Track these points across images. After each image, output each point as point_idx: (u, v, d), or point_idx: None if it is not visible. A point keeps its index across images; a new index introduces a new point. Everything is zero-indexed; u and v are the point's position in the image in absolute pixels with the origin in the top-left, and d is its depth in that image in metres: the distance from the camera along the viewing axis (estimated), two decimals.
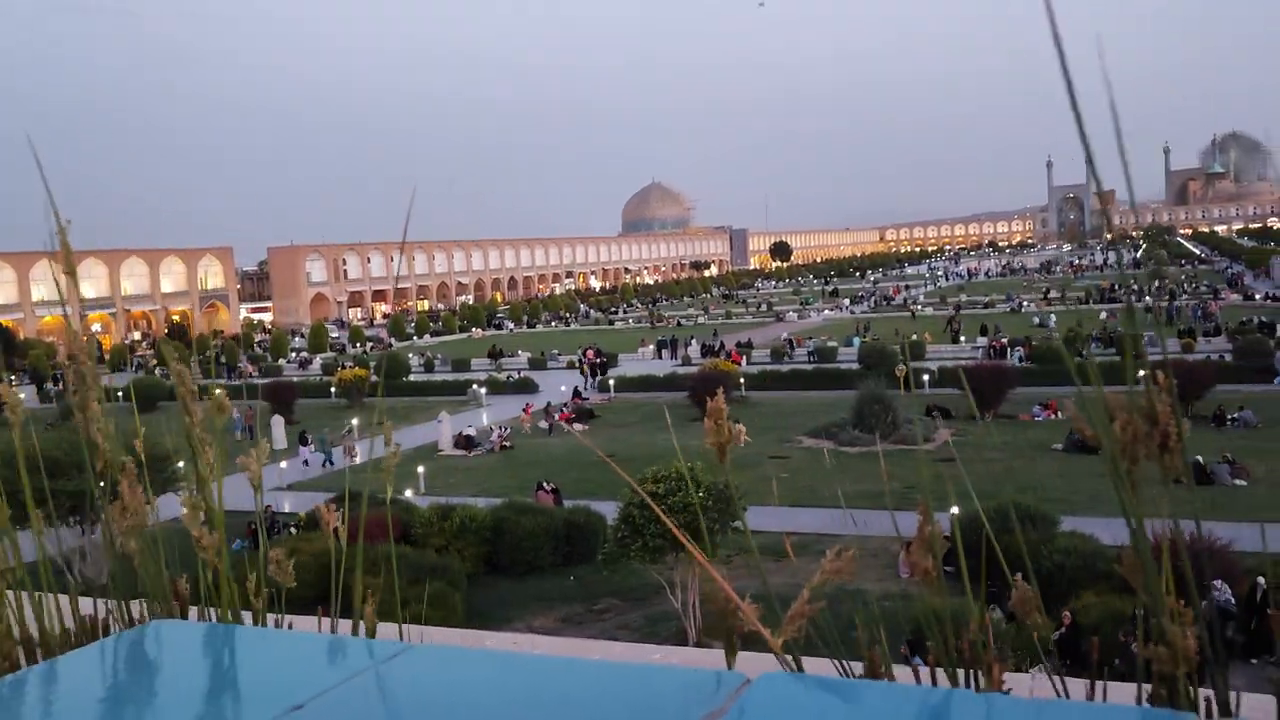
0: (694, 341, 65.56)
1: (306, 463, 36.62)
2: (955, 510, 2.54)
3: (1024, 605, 1.28)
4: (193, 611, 1.78)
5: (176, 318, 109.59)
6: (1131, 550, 1.18)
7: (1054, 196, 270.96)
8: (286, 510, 28.15)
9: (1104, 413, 1.20)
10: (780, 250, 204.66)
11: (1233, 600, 15.21)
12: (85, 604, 1.86)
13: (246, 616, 1.75)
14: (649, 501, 1.48)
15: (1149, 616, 1.18)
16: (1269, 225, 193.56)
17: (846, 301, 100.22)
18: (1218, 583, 15.22)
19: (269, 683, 1.33)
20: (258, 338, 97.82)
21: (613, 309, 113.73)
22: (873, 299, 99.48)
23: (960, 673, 1.34)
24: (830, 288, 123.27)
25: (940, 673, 1.33)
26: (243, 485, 1.96)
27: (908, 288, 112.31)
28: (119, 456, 1.80)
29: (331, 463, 36.41)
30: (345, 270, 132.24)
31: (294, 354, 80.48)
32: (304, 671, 1.36)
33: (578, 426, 41.03)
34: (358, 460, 35.96)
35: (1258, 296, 76.43)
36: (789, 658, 1.29)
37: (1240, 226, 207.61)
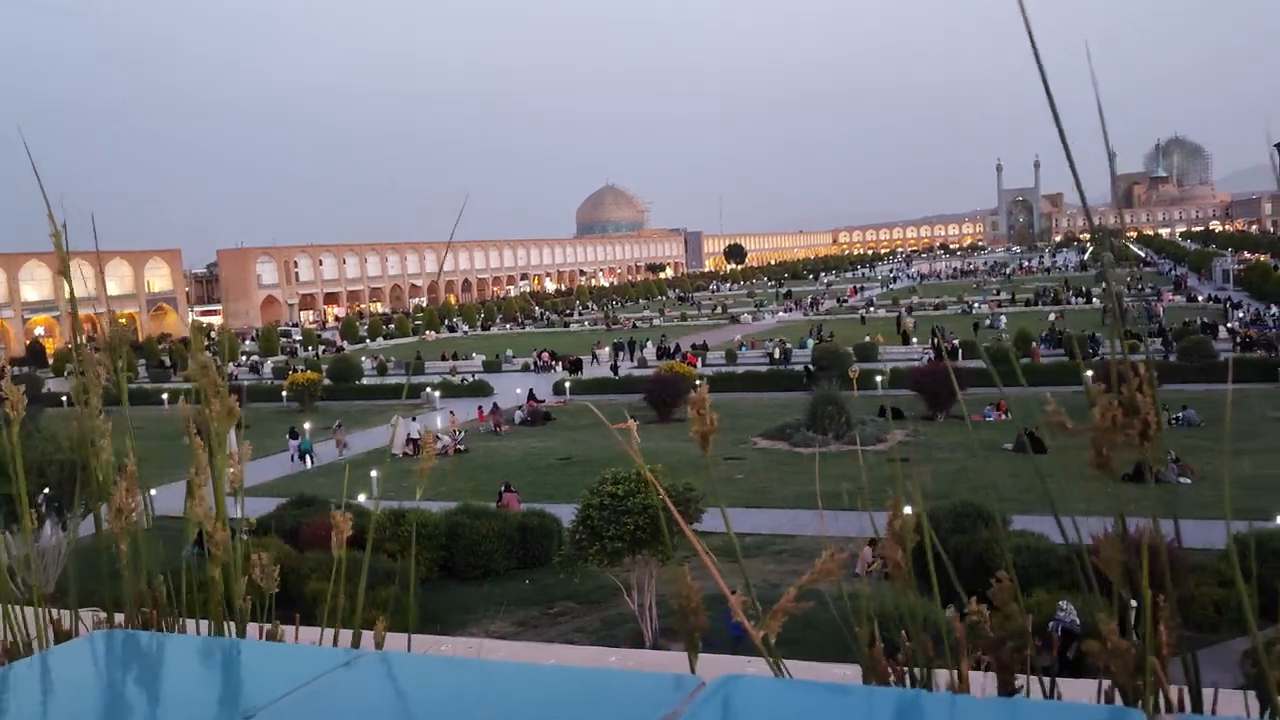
0: (649, 344, 65.64)
1: (294, 458, 36.99)
2: (909, 510, 2.55)
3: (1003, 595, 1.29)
4: (136, 618, 1.74)
5: (123, 321, 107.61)
6: (1109, 543, 1.19)
7: (1003, 200, 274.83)
8: (237, 516, 27.75)
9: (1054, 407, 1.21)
10: (734, 253, 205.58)
11: (1077, 621, 15.14)
12: (31, 613, 1.81)
13: (206, 625, 1.71)
14: (652, 480, 1.47)
15: (1123, 612, 1.19)
16: (1210, 228, 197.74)
17: (809, 300, 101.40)
18: (1063, 604, 15.25)
19: (218, 692, 1.30)
20: (206, 341, 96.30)
21: (568, 311, 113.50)
22: (820, 300, 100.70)
23: (920, 671, 1.35)
24: (784, 290, 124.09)
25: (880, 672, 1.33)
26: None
27: (862, 289, 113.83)
28: (104, 457, 1.76)
29: (314, 460, 36.84)
30: (297, 273, 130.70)
31: (245, 357, 79.39)
32: (254, 680, 1.34)
33: (505, 429, 41.20)
34: (348, 452, 37.63)
35: (1200, 298, 78.08)
36: (771, 658, 1.29)
37: (1183, 229, 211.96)
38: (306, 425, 39.44)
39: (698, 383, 45.23)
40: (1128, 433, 1.14)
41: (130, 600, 1.75)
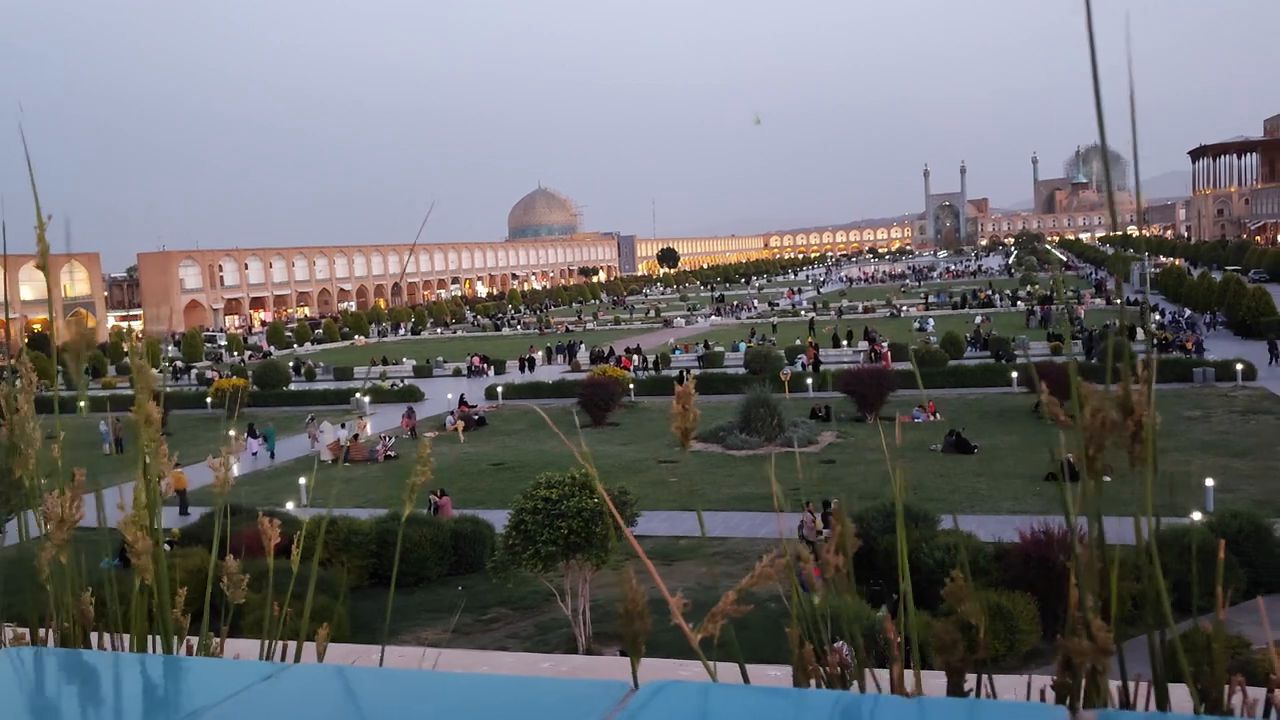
0: (582, 347, 65.58)
1: (256, 454, 37.30)
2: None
3: (955, 596, 1.30)
4: (55, 634, 1.68)
5: (38, 327, 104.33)
6: (1088, 549, 1.20)
7: (931, 204, 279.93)
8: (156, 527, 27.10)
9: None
10: (667, 257, 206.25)
11: (851, 654, 15.76)
12: None
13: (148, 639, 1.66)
14: (600, 490, 1.45)
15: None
16: (1129, 233, 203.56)
17: (756, 303, 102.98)
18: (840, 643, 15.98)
19: (133, 709, 1.27)
20: (126, 347, 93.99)
21: (500, 315, 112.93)
22: (749, 304, 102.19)
23: (862, 673, 1.36)
24: (717, 294, 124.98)
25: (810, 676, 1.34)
26: (111, 499, 1.87)
27: (800, 292, 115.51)
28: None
29: (273, 455, 37.51)
30: (222, 277, 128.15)
31: (167, 363, 77.60)
32: (173, 696, 1.30)
33: (429, 435, 40.99)
34: (321, 444, 38.22)
35: (1119, 301, 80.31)
36: (706, 661, 1.29)
37: (1103, 234, 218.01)
38: (233, 426, 38.73)
39: (631, 387, 45.31)
40: (1121, 432, 1.16)
41: (53, 614, 1.69)
